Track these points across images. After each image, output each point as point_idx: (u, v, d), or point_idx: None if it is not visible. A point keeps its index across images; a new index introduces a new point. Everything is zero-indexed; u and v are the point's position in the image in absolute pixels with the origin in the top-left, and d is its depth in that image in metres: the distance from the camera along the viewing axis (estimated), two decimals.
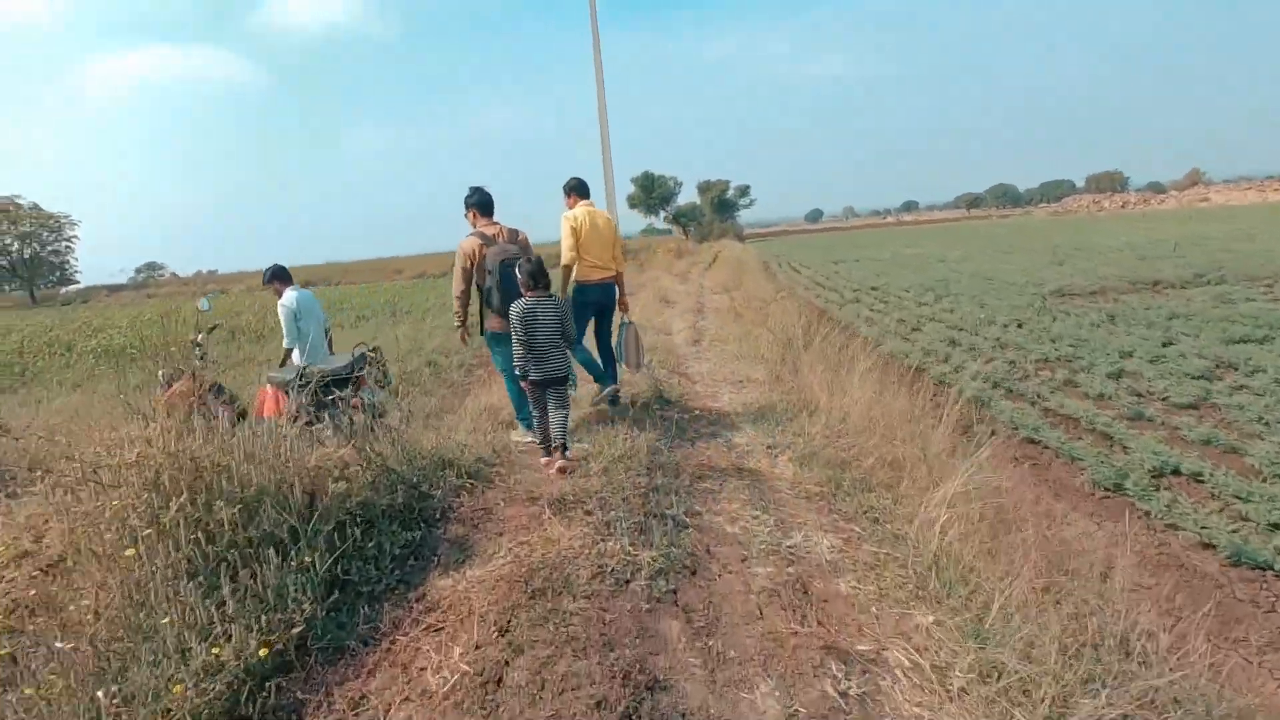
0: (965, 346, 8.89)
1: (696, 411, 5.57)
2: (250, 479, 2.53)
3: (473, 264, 4.56)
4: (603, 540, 3.03)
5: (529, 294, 4.07)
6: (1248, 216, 35.14)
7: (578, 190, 5.38)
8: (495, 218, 4.83)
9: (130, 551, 2.20)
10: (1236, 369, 6.73)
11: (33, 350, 17.65)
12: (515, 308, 4.02)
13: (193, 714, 1.96)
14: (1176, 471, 4.74)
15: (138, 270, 75.59)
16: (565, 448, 4.13)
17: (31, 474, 3.11)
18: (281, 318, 5.42)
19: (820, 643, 2.38)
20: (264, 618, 2.23)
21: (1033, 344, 8.58)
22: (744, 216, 71.39)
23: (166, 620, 2.07)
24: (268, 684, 2.15)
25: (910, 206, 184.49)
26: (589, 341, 5.57)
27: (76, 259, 65.35)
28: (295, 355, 5.52)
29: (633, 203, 63.90)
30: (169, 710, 1.95)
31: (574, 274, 5.22)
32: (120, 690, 2.03)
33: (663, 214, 66.25)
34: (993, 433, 4.98)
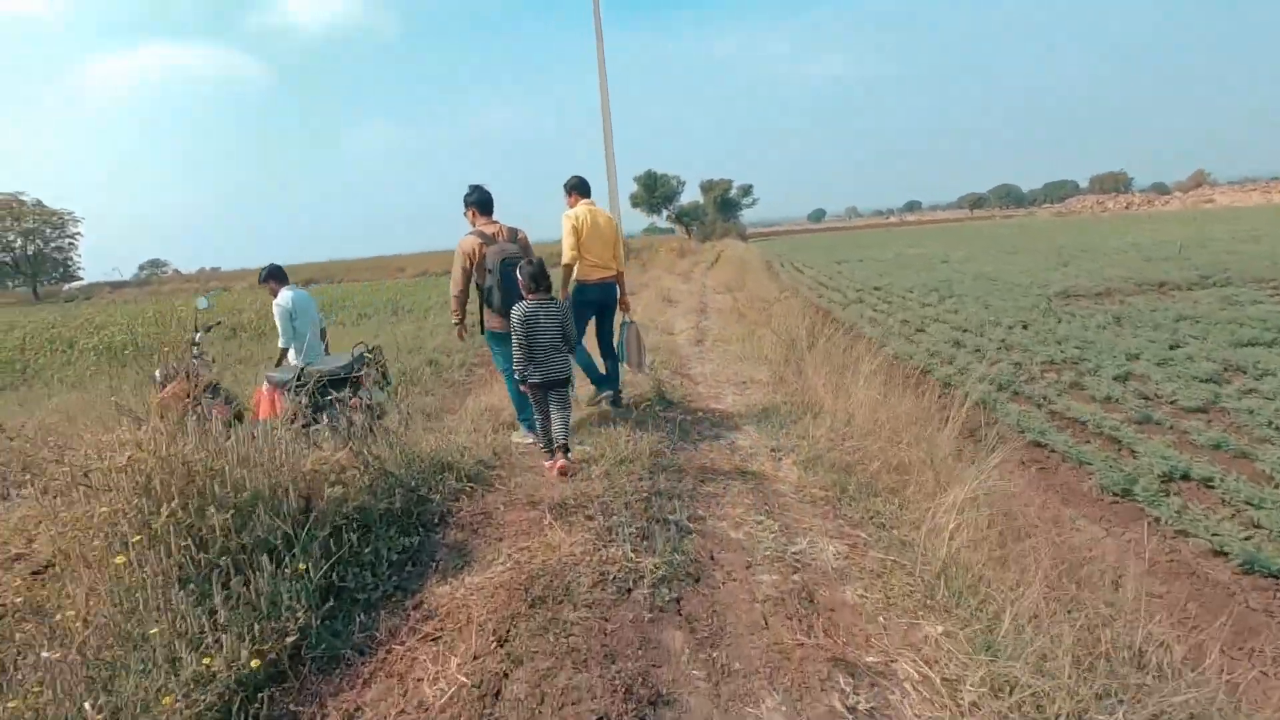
0: (970, 348, 8.82)
1: (699, 413, 5.51)
2: (244, 483, 2.47)
3: (472, 263, 4.52)
4: (604, 546, 2.97)
5: (530, 297, 4.03)
6: (1253, 218, 35.02)
7: (579, 188, 5.33)
8: (494, 216, 4.79)
9: (120, 559, 2.14)
10: (1245, 372, 6.66)
11: (34, 347, 17.65)
12: (517, 311, 3.97)
13: None
14: (1186, 476, 4.67)
15: (141, 267, 75.75)
16: (567, 449, 4.08)
17: (25, 475, 3.06)
18: (277, 317, 5.42)
19: (827, 654, 2.32)
20: (257, 626, 2.17)
21: (1038, 346, 8.51)
22: (747, 216, 71.36)
23: (156, 630, 2.01)
24: (260, 695, 2.09)
25: (913, 206, 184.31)
26: (590, 341, 5.52)
27: (79, 256, 65.50)
28: (291, 355, 5.50)
29: (635, 202, 63.85)
30: None
31: (574, 273, 5.17)
32: (109, 701, 1.97)
33: (665, 213, 66.19)
34: (1000, 438, 4.93)
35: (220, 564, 2.27)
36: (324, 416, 4.26)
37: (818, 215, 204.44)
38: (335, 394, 4.09)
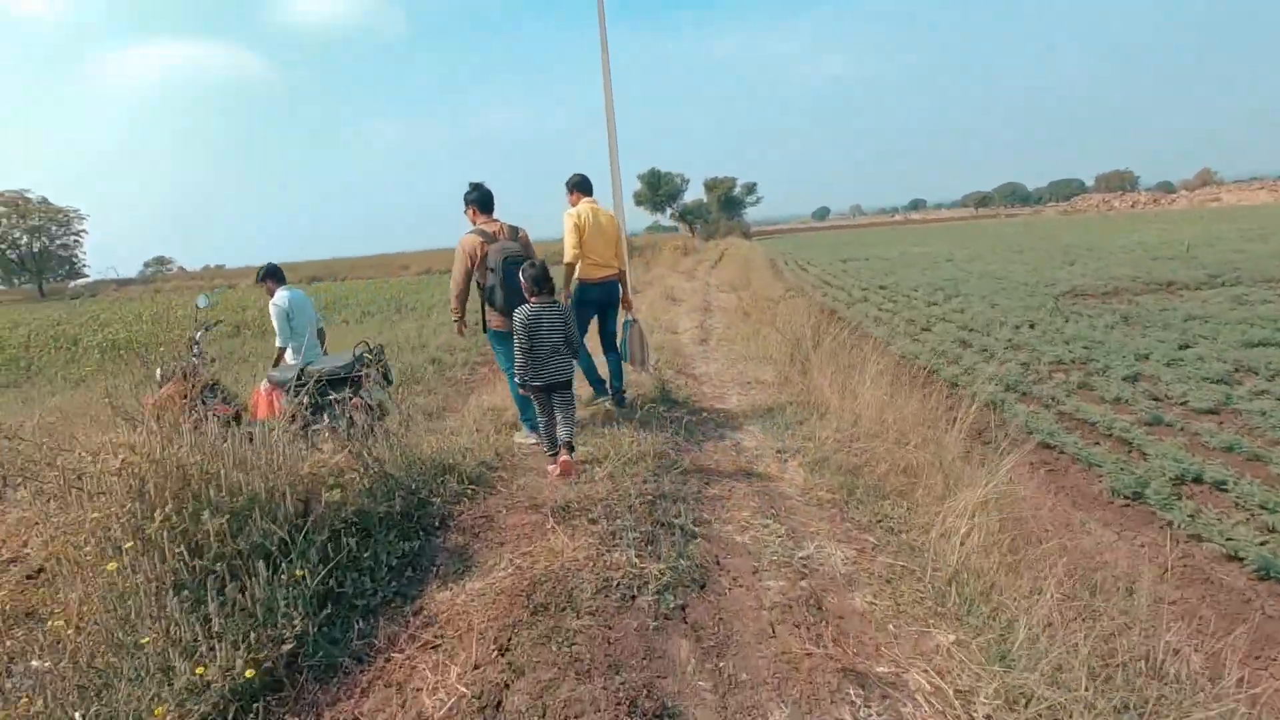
0: (977, 348, 8.74)
1: (704, 413, 5.45)
2: (240, 487, 2.41)
3: (474, 262, 4.48)
4: (608, 551, 2.91)
5: (533, 299, 3.98)
6: (1261, 216, 34.79)
7: (580, 187, 5.27)
8: (495, 215, 4.75)
9: (112, 565, 2.09)
10: (1257, 373, 6.57)
11: (39, 344, 17.68)
12: (519, 315, 3.93)
13: None
14: (1198, 480, 4.59)
15: (146, 264, 75.86)
16: (571, 447, 4.04)
17: (18, 478, 3.01)
18: (273, 317, 5.41)
19: (837, 664, 2.26)
20: (253, 634, 2.12)
21: (1046, 346, 8.43)
22: (750, 214, 71.24)
23: (148, 639, 1.96)
24: (255, 705, 2.04)
25: (918, 205, 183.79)
26: (591, 340, 5.47)
27: (84, 253, 65.69)
28: (289, 354, 5.50)
29: (639, 200, 63.77)
30: None
31: (576, 272, 5.11)
32: (101, 711, 1.93)
33: (669, 211, 66.10)
34: (1010, 439, 4.86)
35: (216, 570, 2.22)
36: (324, 417, 4.22)
37: (822, 213, 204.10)
38: (335, 394, 4.04)
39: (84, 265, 66.16)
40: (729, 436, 4.90)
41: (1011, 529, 3.35)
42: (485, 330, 4.69)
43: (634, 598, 2.60)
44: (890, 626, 2.54)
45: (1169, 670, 2.36)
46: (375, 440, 3.47)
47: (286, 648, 2.16)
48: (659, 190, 63.68)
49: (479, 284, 4.55)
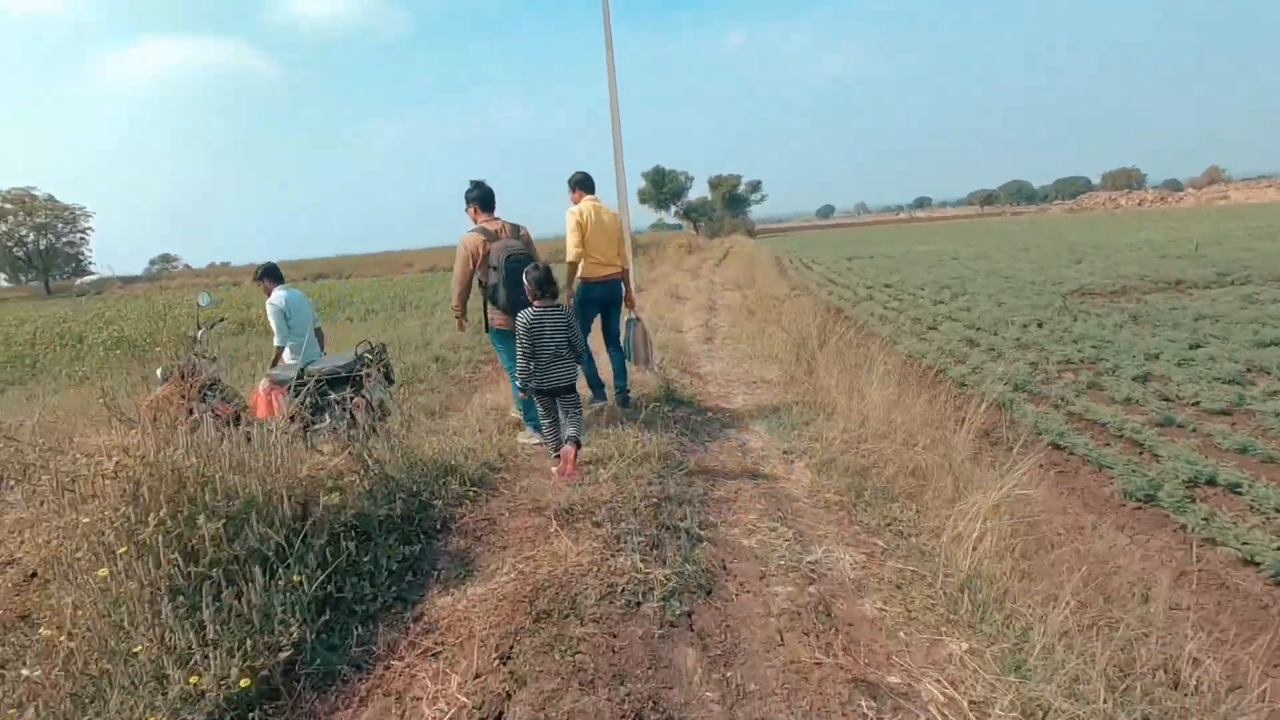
0: (984, 347, 8.66)
1: (709, 413, 5.39)
2: (236, 491, 2.36)
3: (475, 261, 4.44)
4: (612, 555, 2.85)
5: (536, 303, 3.94)
6: (1269, 214, 34.52)
7: (582, 185, 5.22)
8: (495, 213, 4.71)
9: (103, 571, 2.04)
10: (1270, 373, 6.48)
11: (44, 342, 17.73)
12: (521, 319, 3.89)
13: None
14: (1212, 482, 4.52)
15: (152, 262, 76.07)
16: (579, 443, 4.00)
17: (14, 479, 2.97)
18: (270, 316, 5.40)
19: (847, 675, 2.20)
20: (248, 642, 2.07)
21: (1054, 345, 8.34)
22: (755, 212, 71.12)
23: (140, 648, 1.91)
24: (251, 714, 1.99)
25: (923, 203, 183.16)
26: (595, 340, 5.43)
27: (90, 250, 65.92)
28: (286, 354, 5.49)
29: (643, 198, 63.71)
30: None
31: (579, 270, 5.06)
32: None
33: (673, 209, 66.01)
34: (1019, 440, 4.79)
35: (212, 576, 2.17)
36: (325, 417, 4.17)
37: (826, 211, 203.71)
38: (336, 394, 3.99)
39: (90, 262, 66.45)
40: (735, 437, 4.84)
41: (1024, 533, 3.29)
42: (487, 330, 4.64)
43: (639, 604, 2.54)
44: (901, 634, 2.48)
45: (1189, 681, 2.30)
46: (376, 441, 3.42)
47: (283, 655, 2.11)
48: (663, 188, 63.59)
49: (481, 282, 4.51)
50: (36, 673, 1.88)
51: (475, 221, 4.64)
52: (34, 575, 2.46)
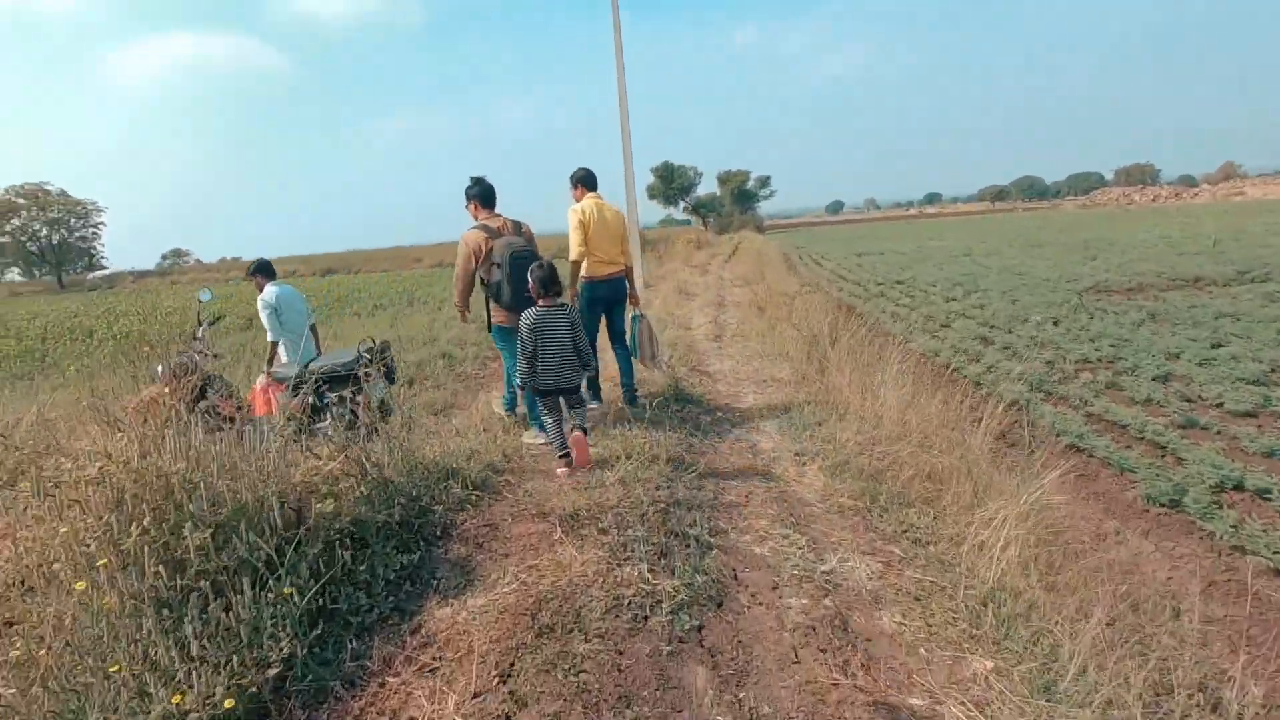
0: (999, 345, 8.50)
1: (719, 413, 5.27)
2: (224, 498, 2.26)
3: (478, 258, 4.34)
4: (619, 565, 2.74)
5: (541, 301, 3.84)
6: None
7: (585, 182, 5.11)
8: (496, 209, 4.62)
9: (80, 584, 1.94)
10: None
11: (55, 336, 17.81)
12: (526, 319, 3.81)
13: None
14: (1239, 487, 4.37)
15: (164, 256, 76.56)
16: (586, 430, 3.94)
17: (5, 480, 2.88)
18: (261, 312, 5.33)
19: (867, 696, 2.08)
20: (235, 658, 1.96)
21: (1071, 344, 8.18)
22: (763, 208, 70.81)
23: (116, 667, 1.81)
24: None
25: (933, 198, 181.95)
26: (599, 338, 5.33)
27: (103, 245, 66.41)
28: (282, 351, 5.41)
29: (652, 193, 63.53)
30: None
31: (583, 269, 4.96)
32: None
33: (682, 204, 65.80)
34: (1038, 442, 4.65)
35: (199, 588, 2.06)
36: (325, 417, 4.08)
37: (836, 207, 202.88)
38: (332, 396, 3.89)
39: (102, 257, 66.93)
40: (745, 438, 4.72)
41: (1048, 542, 3.16)
42: (490, 329, 4.55)
43: (646, 618, 2.42)
44: (922, 651, 2.36)
45: (1228, 704, 2.17)
46: (375, 443, 3.31)
47: (272, 672, 2.00)
48: (672, 183, 63.38)
49: (483, 280, 4.42)
50: (11, 691, 1.78)
51: (476, 218, 4.55)
52: (21, 582, 2.37)
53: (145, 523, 2.03)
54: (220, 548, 2.17)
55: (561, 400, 3.96)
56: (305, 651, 2.16)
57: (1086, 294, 11.77)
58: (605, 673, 2.12)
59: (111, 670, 1.81)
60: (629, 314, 5.33)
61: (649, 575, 2.66)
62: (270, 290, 5.36)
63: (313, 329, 5.60)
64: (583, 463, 3.87)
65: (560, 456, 3.92)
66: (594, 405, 5.17)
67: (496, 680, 2.08)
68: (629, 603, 2.49)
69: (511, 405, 5.08)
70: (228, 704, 1.79)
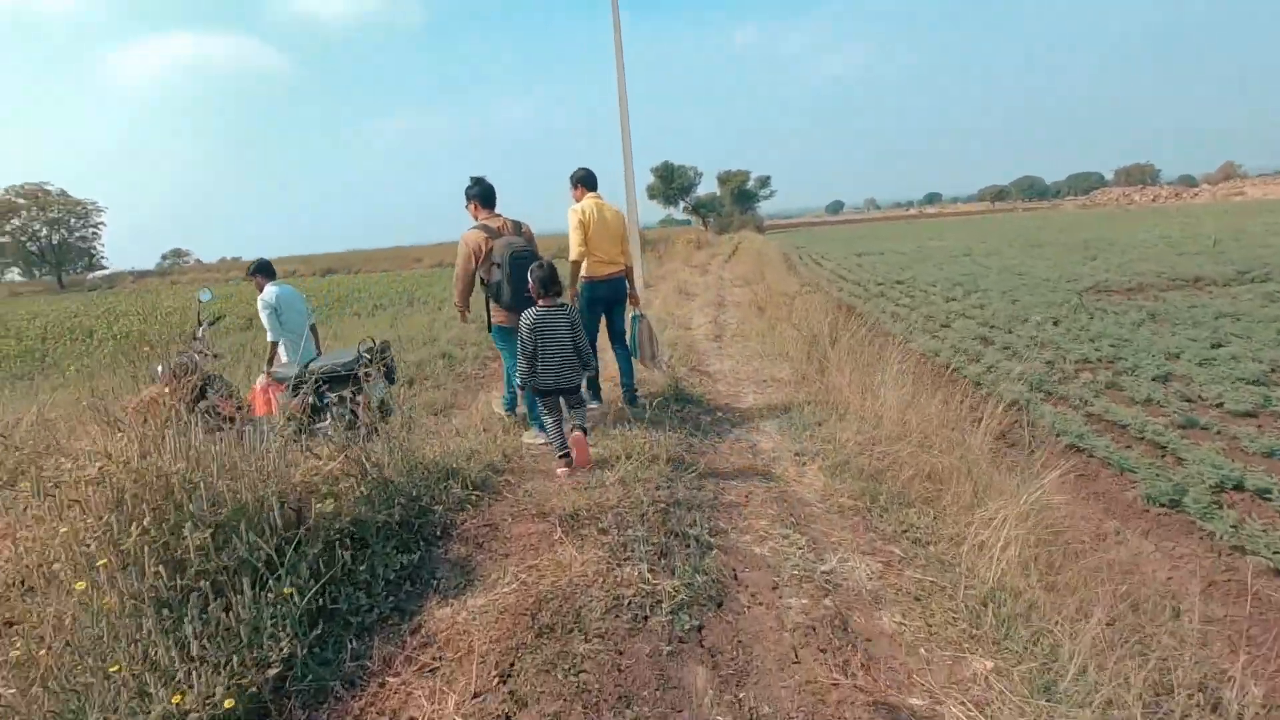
0: (999, 345, 8.50)
1: (719, 413, 5.28)
2: (224, 498, 2.26)
3: (478, 259, 4.34)
4: (619, 565, 2.74)
5: (541, 301, 3.85)
6: None
7: (584, 182, 5.11)
8: (496, 209, 4.62)
9: (80, 584, 1.94)
10: None
11: (55, 336, 17.82)
12: (526, 319, 3.81)
13: None
14: (1239, 487, 4.37)
15: (164, 256, 76.60)
16: (586, 430, 3.94)
17: (6, 480, 2.88)
18: (261, 312, 5.33)
19: (867, 696, 2.08)
20: (235, 658, 1.96)
21: (1071, 344, 8.18)
22: (764, 207, 70.81)
23: (116, 668, 1.81)
24: None
25: (933, 199, 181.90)
26: (599, 338, 5.34)
27: (103, 245, 66.42)
28: (281, 350, 5.42)
29: (652, 193, 63.50)
30: None
31: (583, 270, 4.96)
32: None
33: (682, 204, 65.79)
34: (1039, 443, 4.65)
35: (199, 588, 2.06)
36: (326, 417, 4.08)
37: (835, 207, 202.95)
38: (332, 396, 3.89)
39: (102, 257, 66.97)
40: (745, 437, 4.72)
41: (1048, 542, 3.16)
42: (490, 329, 4.55)
43: (646, 618, 2.42)
44: (922, 651, 2.36)
45: (1229, 704, 2.17)
46: (375, 443, 3.31)
47: (272, 672, 2.00)
48: (672, 183, 63.37)
49: (483, 280, 4.42)
50: (11, 691, 1.78)
51: (476, 218, 4.55)
52: (21, 582, 2.37)
53: (145, 523, 2.03)
54: (220, 548, 2.17)
55: (561, 400, 3.97)
56: (305, 651, 2.17)
57: (1086, 294, 11.77)
58: (605, 673, 2.12)
59: (111, 670, 1.81)
60: (629, 314, 5.33)
61: (649, 575, 2.66)
62: (270, 290, 5.36)
63: (313, 329, 5.60)
64: (583, 462, 3.87)
65: (560, 456, 3.93)
66: (594, 405, 5.17)
67: (496, 680, 2.08)
68: (629, 603, 2.49)
69: (511, 405, 5.08)
70: (228, 704, 1.79)
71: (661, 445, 4.04)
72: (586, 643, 2.25)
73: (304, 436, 3.20)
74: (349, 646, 2.28)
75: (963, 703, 2.08)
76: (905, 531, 3.31)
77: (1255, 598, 3.44)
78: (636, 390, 5.33)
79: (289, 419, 3.17)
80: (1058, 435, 5.45)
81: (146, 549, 2.01)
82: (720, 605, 2.56)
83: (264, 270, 5.51)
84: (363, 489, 2.94)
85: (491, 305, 4.45)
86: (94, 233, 65.32)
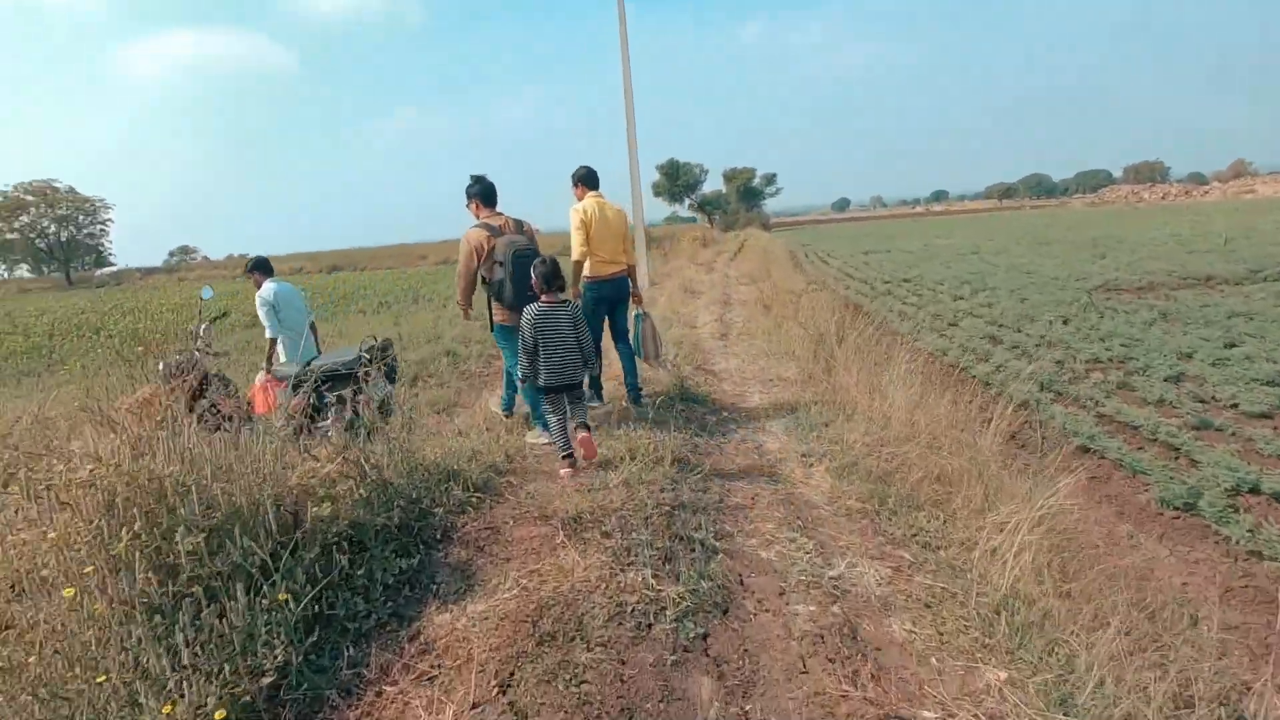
0: (1008, 344, 8.40)
1: (724, 413, 5.22)
2: (218, 502, 2.21)
3: (480, 257, 4.30)
4: (622, 570, 2.68)
5: (544, 297, 3.80)
6: None
7: (586, 181, 5.06)
8: (498, 208, 4.57)
9: (69, 591, 1.90)
10: None
11: (62, 333, 17.89)
12: (527, 314, 3.76)
13: None
14: (1256, 490, 4.28)
15: (171, 254, 76.91)
16: (589, 427, 3.89)
17: (10, 478, 2.83)
18: (259, 309, 5.32)
19: (878, 709, 2.01)
20: (228, 666, 1.91)
21: (1081, 343, 8.08)
22: (769, 205, 70.55)
23: (103, 677, 1.76)
24: None
25: (940, 196, 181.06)
26: (603, 337, 5.28)
27: (111, 242, 66.73)
28: (280, 349, 5.39)
29: (657, 190, 63.36)
30: None
31: (585, 269, 4.90)
32: None
33: (687, 202, 65.62)
34: (1050, 444, 4.57)
35: (191, 593, 2.01)
36: (327, 415, 4.03)
37: (842, 204, 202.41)
38: (338, 392, 3.84)
39: (110, 254, 67.24)
40: (751, 438, 4.65)
41: (1061, 548, 3.09)
42: (491, 328, 4.50)
43: (650, 626, 2.36)
44: (933, 660, 2.29)
45: (1251, 718, 2.10)
46: (375, 444, 3.26)
47: (266, 680, 1.96)
48: (677, 180, 63.19)
49: (485, 279, 4.37)
50: (3, 698, 1.73)
51: (478, 217, 4.51)
52: (12, 587, 2.32)
53: (137, 527, 1.99)
54: (214, 552, 2.12)
55: (563, 397, 3.91)
56: (300, 659, 2.11)
57: (1096, 292, 11.65)
58: (607, 683, 2.06)
59: (100, 679, 1.76)
60: (631, 312, 5.28)
61: (653, 581, 2.61)
62: (268, 287, 5.34)
63: (312, 326, 5.58)
64: (589, 456, 3.83)
65: (564, 457, 3.88)
66: (596, 405, 5.12)
67: (496, 690, 2.03)
68: (632, 610, 2.43)
69: (509, 406, 5.04)
70: (219, 714, 1.75)
71: (666, 446, 3.98)
72: (589, 651, 2.19)
73: (303, 437, 3.15)
74: (345, 654, 2.23)
75: (976, 715, 2.01)
76: (915, 535, 3.24)
77: (1273, 604, 3.36)
78: (641, 389, 5.28)
79: (289, 419, 3.12)
80: (1069, 436, 5.37)
81: (138, 554, 1.96)
82: (726, 612, 2.50)
83: (261, 267, 5.50)
84: (361, 491, 2.89)
85: (493, 304, 4.41)
86: (102, 230, 65.63)
